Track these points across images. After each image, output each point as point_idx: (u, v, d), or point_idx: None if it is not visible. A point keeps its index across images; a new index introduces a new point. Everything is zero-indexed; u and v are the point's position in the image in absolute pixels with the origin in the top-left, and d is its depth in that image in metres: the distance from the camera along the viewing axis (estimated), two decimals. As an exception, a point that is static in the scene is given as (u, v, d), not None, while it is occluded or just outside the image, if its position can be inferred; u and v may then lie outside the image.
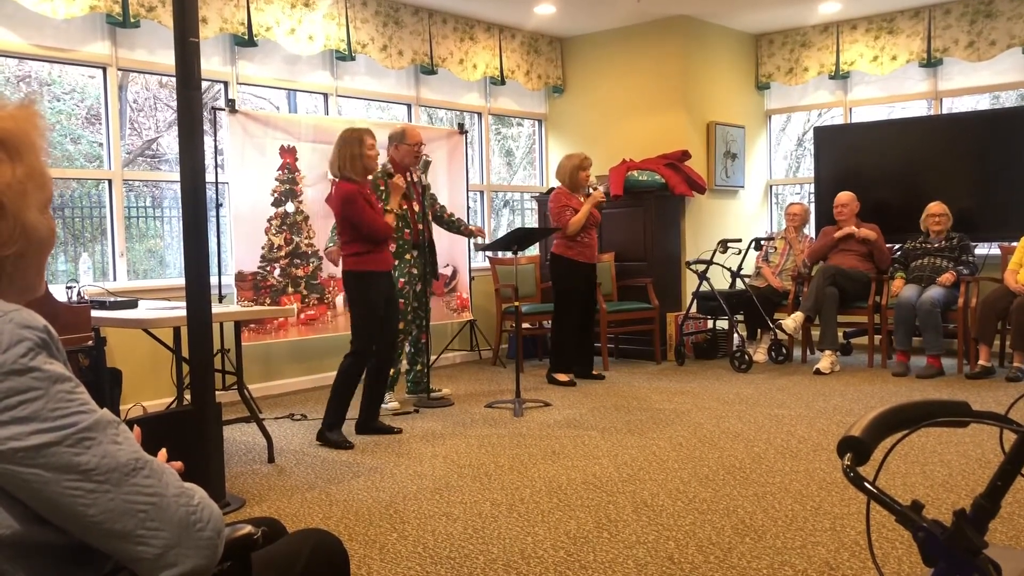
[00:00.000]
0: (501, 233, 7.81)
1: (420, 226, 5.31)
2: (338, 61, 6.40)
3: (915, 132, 7.05)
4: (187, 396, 3.76)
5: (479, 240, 6.24)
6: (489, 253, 7.03)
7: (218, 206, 5.54)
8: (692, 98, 7.42)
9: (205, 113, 5.21)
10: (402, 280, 5.18)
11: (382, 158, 5.44)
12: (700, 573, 2.71)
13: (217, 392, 3.39)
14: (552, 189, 6.31)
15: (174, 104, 3.68)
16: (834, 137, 7.39)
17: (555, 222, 5.95)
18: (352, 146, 4.49)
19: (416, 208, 5.31)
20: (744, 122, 7.95)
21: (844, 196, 6.72)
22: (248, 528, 1.25)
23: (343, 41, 6.24)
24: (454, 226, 5.77)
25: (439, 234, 5.99)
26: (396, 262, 5.18)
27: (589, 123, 7.88)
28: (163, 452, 1.31)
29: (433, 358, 6.52)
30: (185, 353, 3.51)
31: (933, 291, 6.00)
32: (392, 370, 5.26)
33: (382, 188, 5.16)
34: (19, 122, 1.15)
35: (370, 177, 5.03)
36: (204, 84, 4.14)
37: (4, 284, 1.14)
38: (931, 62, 7.06)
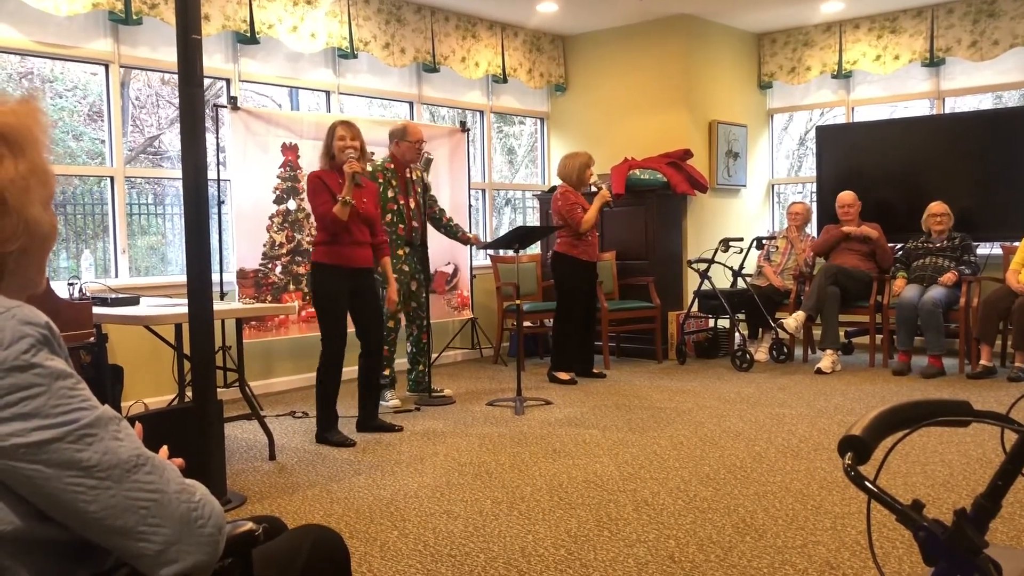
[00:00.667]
0: (502, 231, 7.81)
1: (415, 223, 5.29)
2: (340, 59, 6.40)
3: (917, 132, 7.05)
4: (188, 393, 3.77)
5: (475, 248, 6.23)
6: (490, 251, 7.03)
7: (220, 203, 5.54)
8: (694, 97, 7.42)
9: (207, 110, 5.22)
10: (394, 276, 5.14)
11: (383, 154, 5.46)
12: (701, 572, 2.71)
13: (218, 389, 3.39)
14: (554, 187, 6.31)
15: (176, 101, 3.68)
16: (836, 136, 7.39)
17: (564, 220, 5.94)
18: (324, 136, 4.51)
19: (412, 205, 5.29)
20: (746, 121, 7.95)
21: (848, 196, 6.71)
22: (249, 525, 1.25)
23: (345, 39, 6.23)
24: (451, 231, 5.75)
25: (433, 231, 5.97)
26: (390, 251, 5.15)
27: (591, 121, 7.88)
28: (164, 449, 1.31)
29: (434, 356, 6.52)
30: (186, 350, 3.51)
31: (935, 291, 6.00)
32: (388, 370, 5.25)
33: (380, 181, 5.16)
34: (21, 117, 1.15)
35: (369, 168, 5.02)
36: (206, 81, 4.15)
37: (6, 280, 1.15)
38: (934, 62, 7.05)
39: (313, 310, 5.89)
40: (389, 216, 5.17)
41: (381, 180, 5.15)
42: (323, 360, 4.46)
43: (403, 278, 5.24)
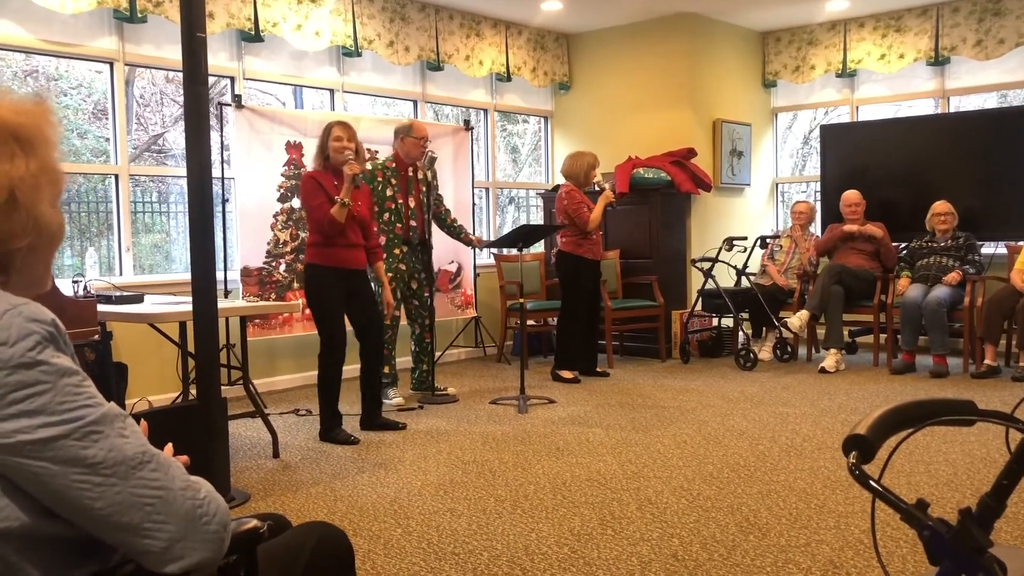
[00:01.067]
0: (506, 230, 7.80)
1: (413, 222, 5.27)
2: (344, 57, 6.40)
3: (922, 131, 7.03)
4: (192, 391, 3.78)
5: (478, 250, 6.23)
6: (494, 250, 7.03)
7: (224, 201, 5.55)
8: (698, 95, 7.41)
9: (211, 109, 5.22)
10: (389, 275, 5.14)
11: (387, 152, 5.46)
12: (704, 571, 2.71)
13: (222, 387, 3.40)
14: (558, 186, 6.31)
15: (180, 99, 3.69)
16: (841, 135, 7.38)
17: (569, 219, 5.93)
18: (320, 136, 4.47)
19: (412, 204, 5.27)
20: (750, 120, 7.94)
21: (854, 195, 6.70)
22: (254, 522, 1.25)
23: (349, 37, 6.24)
24: (454, 231, 5.74)
25: (437, 230, 5.98)
26: (384, 256, 5.15)
27: (595, 120, 7.87)
28: (169, 446, 1.32)
29: (438, 355, 6.52)
30: (191, 348, 3.52)
31: (939, 290, 5.99)
32: (388, 368, 5.25)
33: (380, 179, 5.16)
34: (33, 118, 1.17)
35: (369, 167, 5.01)
36: (211, 79, 4.15)
37: (13, 278, 1.15)
38: (939, 60, 7.04)
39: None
40: (387, 215, 5.16)
41: (380, 179, 5.14)
42: (323, 360, 4.46)
43: (401, 276, 5.24)
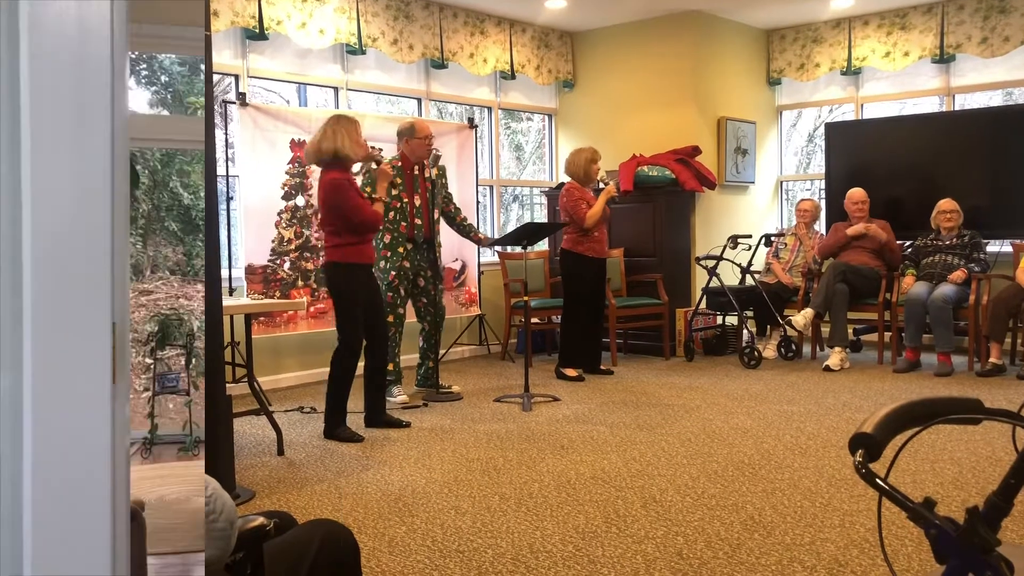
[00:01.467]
0: (510, 228, 7.80)
1: (418, 220, 5.28)
2: (348, 55, 6.40)
3: (927, 129, 7.01)
4: (197, 388, 3.78)
5: (482, 248, 6.24)
6: (498, 248, 7.04)
7: (228, 199, 5.55)
8: (703, 93, 7.40)
9: (216, 106, 5.23)
10: (392, 273, 5.16)
11: (391, 152, 5.46)
12: (709, 569, 2.71)
13: (227, 384, 3.40)
14: (562, 184, 6.30)
15: (186, 97, 3.68)
16: (845, 133, 7.36)
17: (569, 216, 5.93)
18: (351, 129, 4.41)
19: (417, 202, 5.28)
20: (755, 118, 7.93)
21: (860, 193, 6.67)
22: (261, 519, 1.26)
23: (353, 35, 6.24)
24: (463, 230, 5.74)
25: (446, 228, 5.98)
26: (388, 254, 5.17)
27: (599, 118, 7.87)
28: (176, 444, 1.32)
29: (442, 352, 6.53)
30: (196, 346, 3.52)
31: (944, 288, 5.98)
32: (392, 365, 5.26)
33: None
34: None
35: (375, 165, 5.03)
36: (215, 77, 4.16)
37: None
38: (944, 58, 7.02)
39: (322, 306, 5.94)
40: (392, 213, 5.17)
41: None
42: (342, 357, 4.49)
43: (405, 274, 5.25)
